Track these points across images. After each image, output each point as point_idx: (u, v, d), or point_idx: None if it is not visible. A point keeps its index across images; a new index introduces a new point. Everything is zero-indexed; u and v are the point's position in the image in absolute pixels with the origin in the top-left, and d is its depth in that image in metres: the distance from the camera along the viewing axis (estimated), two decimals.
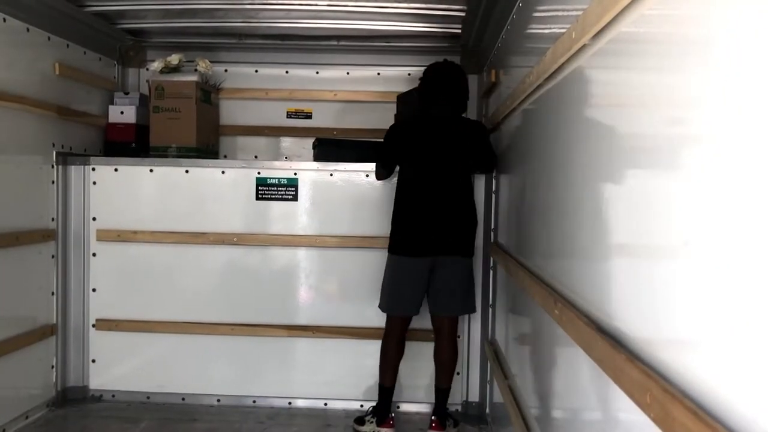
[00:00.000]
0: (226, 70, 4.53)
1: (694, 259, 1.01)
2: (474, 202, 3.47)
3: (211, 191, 3.88)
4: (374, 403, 3.53)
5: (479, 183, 3.78)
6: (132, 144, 4.13)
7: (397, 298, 3.43)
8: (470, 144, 3.40)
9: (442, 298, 3.40)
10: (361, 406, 3.78)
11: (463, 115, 3.54)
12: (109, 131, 4.18)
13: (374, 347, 3.79)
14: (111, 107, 4.19)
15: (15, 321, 3.40)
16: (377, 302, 3.60)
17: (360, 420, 3.53)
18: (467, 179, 3.42)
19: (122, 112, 4.16)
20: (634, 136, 1.32)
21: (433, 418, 3.44)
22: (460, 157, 3.38)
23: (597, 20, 1.42)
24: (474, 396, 3.83)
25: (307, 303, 3.89)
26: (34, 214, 3.58)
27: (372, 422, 3.46)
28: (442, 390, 3.46)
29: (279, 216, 3.87)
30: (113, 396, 3.89)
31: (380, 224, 3.78)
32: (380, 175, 3.64)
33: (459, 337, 3.79)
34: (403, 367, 3.72)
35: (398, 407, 3.82)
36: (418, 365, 3.82)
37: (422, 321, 3.81)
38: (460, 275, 3.39)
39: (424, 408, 3.80)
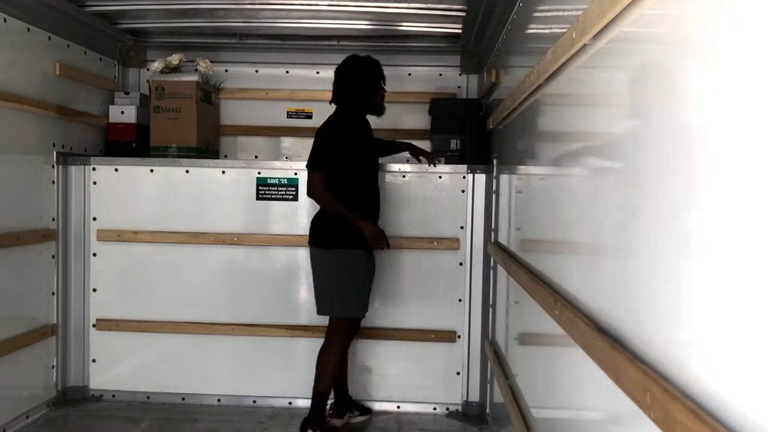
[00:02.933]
0: (226, 70, 4.53)
1: (694, 259, 1.01)
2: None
3: (212, 191, 3.88)
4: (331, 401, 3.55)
5: (479, 183, 3.79)
6: (132, 144, 4.14)
7: (365, 296, 3.39)
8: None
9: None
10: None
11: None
12: (109, 131, 4.19)
13: (374, 347, 3.81)
14: (111, 107, 4.19)
15: (15, 321, 3.40)
16: (378, 302, 3.61)
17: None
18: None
19: (123, 112, 4.17)
20: (634, 135, 1.32)
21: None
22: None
23: (597, 20, 1.42)
24: (474, 396, 3.83)
25: (307, 303, 3.89)
26: (34, 214, 3.58)
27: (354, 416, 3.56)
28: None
29: (279, 216, 3.87)
30: (113, 396, 3.89)
31: (381, 224, 3.78)
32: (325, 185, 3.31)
33: (459, 336, 3.80)
34: (404, 367, 3.73)
35: (398, 407, 3.82)
36: (418, 365, 3.82)
37: (420, 322, 3.82)
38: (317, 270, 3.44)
39: (424, 408, 3.81)
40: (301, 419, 3.40)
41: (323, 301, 3.35)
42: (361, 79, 3.44)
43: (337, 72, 3.48)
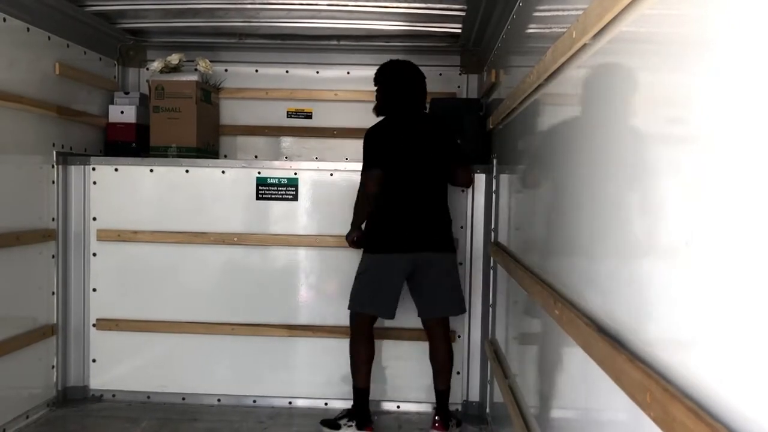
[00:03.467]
0: (226, 70, 4.52)
1: (694, 259, 1.01)
2: (446, 200, 3.47)
3: (212, 191, 3.88)
4: (348, 406, 3.49)
5: (479, 183, 3.79)
6: (132, 144, 4.13)
7: (377, 296, 3.36)
8: (440, 141, 3.43)
9: (432, 300, 3.38)
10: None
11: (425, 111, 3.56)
12: (109, 131, 4.18)
13: (375, 347, 3.79)
14: (111, 107, 4.19)
15: (15, 321, 3.40)
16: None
17: (332, 424, 3.44)
18: (441, 177, 3.43)
19: (122, 112, 4.17)
20: (635, 135, 1.32)
21: (436, 418, 3.44)
22: (435, 155, 3.39)
23: (597, 20, 1.42)
24: (474, 396, 3.83)
25: (307, 303, 3.89)
26: (34, 214, 3.58)
27: (351, 426, 3.40)
28: (441, 391, 3.45)
29: (279, 216, 3.87)
30: (113, 396, 3.89)
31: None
32: (373, 185, 3.35)
33: (459, 336, 3.80)
34: (404, 367, 3.73)
35: (398, 407, 3.82)
36: (418, 365, 3.82)
37: (419, 321, 3.82)
38: (447, 273, 3.38)
39: (424, 408, 3.81)
40: (301, 419, 3.40)
41: (459, 301, 3.46)
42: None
43: (414, 76, 3.49)
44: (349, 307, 3.44)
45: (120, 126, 4.16)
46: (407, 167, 3.35)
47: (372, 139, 3.41)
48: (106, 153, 4.15)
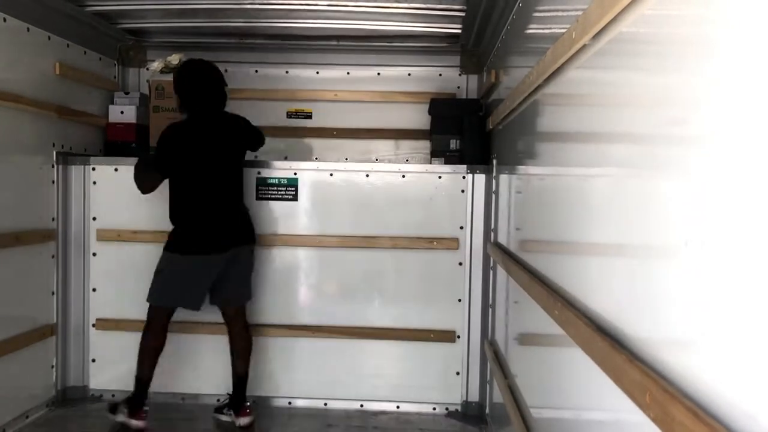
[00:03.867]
0: (226, 70, 4.48)
1: (694, 259, 1.01)
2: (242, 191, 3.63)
3: None
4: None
5: (479, 183, 3.78)
6: (132, 144, 4.13)
7: (185, 293, 3.45)
8: (241, 135, 3.56)
9: (233, 291, 3.57)
10: (361, 405, 3.78)
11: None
12: (109, 131, 4.18)
13: (375, 347, 3.80)
14: (111, 107, 4.19)
15: (15, 321, 3.40)
16: (377, 302, 3.60)
17: (113, 408, 3.46)
18: (240, 171, 3.60)
19: (122, 112, 4.16)
20: (634, 136, 1.32)
21: (247, 404, 3.55)
22: (235, 150, 3.54)
23: (597, 20, 1.42)
24: (474, 396, 3.83)
25: (307, 303, 3.89)
26: (34, 214, 3.58)
27: (124, 412, 3.41)
28: (240, 376, 3.57)
29: (279, 216, 3.87)
30: (113, 396, 3.88)
31: (381, 224, 3.79)
32: (153, 185, 3.45)
33: (459, 336, 3.81)
34: (405, 367, 3.73)
35: (398, 407, 3.82)
36: (418, 365, 3.83)
37: (420, 321, 3.82)
38: (249, 264, 3.61)
39: (424, 408, 3.81)
40: (302, 419, 3.41)
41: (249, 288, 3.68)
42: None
43: (214, 74, 3.56)
44: (154, 299, 3.47)
45: (120, 126, 4.16)
46: (211, 168, 3.41)
47: (169, 141, 3.39)
48: (106, 153, 4.15)
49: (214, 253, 3.40)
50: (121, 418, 3.39)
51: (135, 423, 3.36)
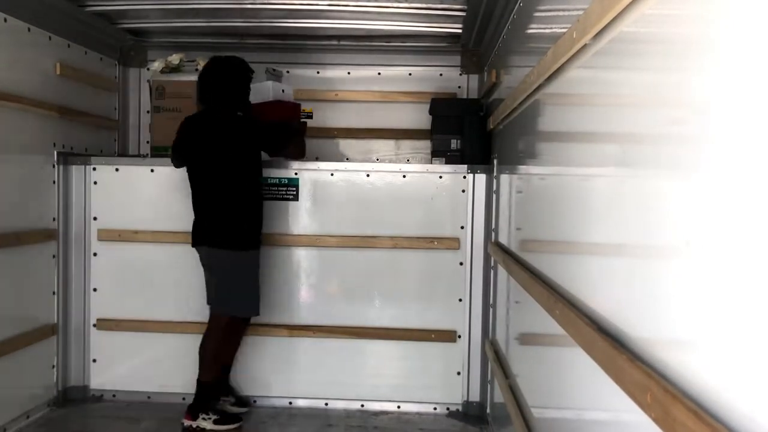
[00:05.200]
0: None
1: (695, 259, 1.01)
2: (233, 195, 3.44)
3: None
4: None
5: (479, 183, 3.78)
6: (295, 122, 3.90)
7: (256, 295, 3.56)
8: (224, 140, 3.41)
9: (209, 292, 3.56)
10: (362, 405, 3.78)
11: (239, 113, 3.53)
12: (275, 110, 3.91)
13: (375, 347, 3.80)
14: (273, 84, 4.02)
15: (16, 321, 3.40)
16: (378, 302, 3.60)
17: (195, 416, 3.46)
18: (223, 171, 3.42)
19: (283, 91, 3.99)
20: (635, 135, 1.32)
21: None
22: (214, 153, 3.41)
23: (598, 20, 1.42)
24: (474, 396, 3.83)
25: (308, 303, 3.89)
26: (35, 214, 3.58)
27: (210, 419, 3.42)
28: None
29: (279, 216, 3.87)
30: (114, 396, 3.89)
31: (381, 224, 3.79)
32: (299, 148, 3.66)
33: (459, 336, 3.80)
34: (406, 367, 3.73)
35: (399, 407, 3.82)
36: (418, 365, 3.82)
37: (420, 321, 3.82)
38: (220, 271, 3.45)
39: (425, 408, 3.81)
40: (302, 419, 3.41)
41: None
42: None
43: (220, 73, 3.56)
44: (250, 311, 3.57)
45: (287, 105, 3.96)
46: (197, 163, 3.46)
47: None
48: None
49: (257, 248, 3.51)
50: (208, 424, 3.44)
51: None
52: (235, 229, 3.41)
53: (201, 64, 4.14)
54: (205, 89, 3.50)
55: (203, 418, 3.41)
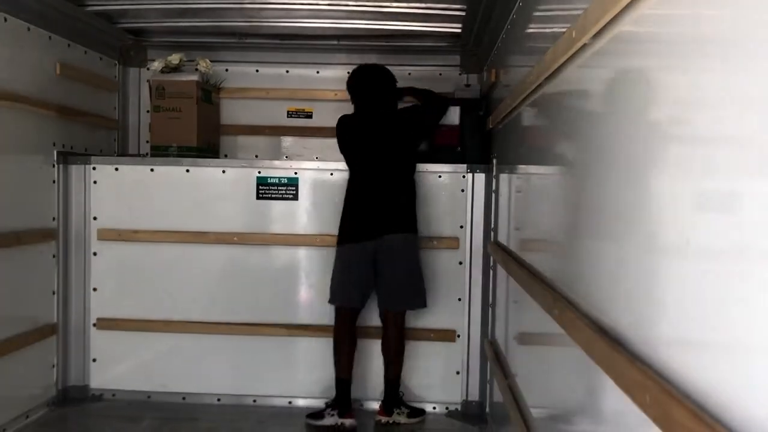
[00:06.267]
0: (226, 70, 4.52)
1: (696, 258, 1.01)
2: (412, 181, 3.64)
3: (212, 191, 3.88)
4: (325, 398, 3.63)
5: (479, 182, 3.79)
6: (457, 148, 3.94)
7: (346, 288, 3.55)
8: (405, 130, 3.65)
9: (389, 292, 3.55)
10: (362, 405, 3.78)
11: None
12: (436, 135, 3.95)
13: (375, 346, 3.79)
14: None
15: (16, 320, 3.40)
16: (377, 301, 3.60)
17: (318, 415, 3.55)
18: (405, 168, 3.63)
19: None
20: (635, 135, 1.32)
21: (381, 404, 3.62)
22: (396, 147, 3.60)
23: (597, 20, 1.42)
24: (474, 395, 3.83)
25: (308, 302, 3.89)
26: (34, 214, 3.58)
27: (333, 415, 3.50)
28: (389, 380, 3.63)
29: (279, 215, 3.87)
30: (114, 395, 3.89)
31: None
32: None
33: (459, 335, 3.80)
34: (405, 366, 3.73)
35: None
36: (418, 365, 3.82)
37: (420, 321, 3.82)
38: (406, 262, 3.52)
39: (425, 408, 3.80)
40: (301, 419, 3.41)
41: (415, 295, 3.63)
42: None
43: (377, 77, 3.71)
44: (330, 301, 3.62)
45: (444, 130, 3.92)
46: (371, 161, 3.59)
47: (338, 130, 3.68)
48: (429, 159, 3.84)
49: (359, 241, 3.51)
50: (330, 421, 3.49)
51: (349, 422, 3.49)
52: (415, 215, 3.60)
53: (201, 64, 4.16)
54: (369, 92, 3.65)
55: (398, 413, 3.59)
